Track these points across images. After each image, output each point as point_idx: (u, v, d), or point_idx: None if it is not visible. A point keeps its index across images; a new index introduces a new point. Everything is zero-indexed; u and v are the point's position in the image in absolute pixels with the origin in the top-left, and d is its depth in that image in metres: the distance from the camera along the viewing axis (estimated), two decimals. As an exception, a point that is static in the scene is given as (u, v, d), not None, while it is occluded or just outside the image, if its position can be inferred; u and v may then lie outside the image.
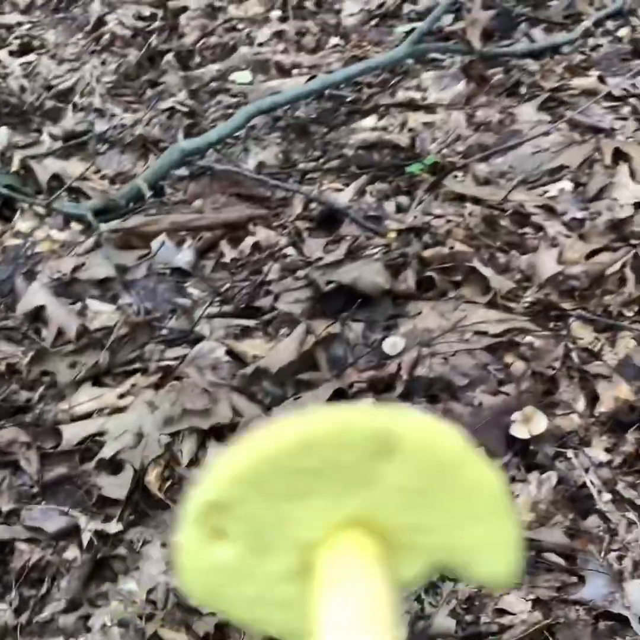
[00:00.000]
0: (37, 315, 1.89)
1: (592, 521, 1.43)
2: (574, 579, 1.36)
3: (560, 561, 1.38)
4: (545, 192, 2.16)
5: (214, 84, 2.73)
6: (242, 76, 2.75)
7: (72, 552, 1.48)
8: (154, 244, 2.02)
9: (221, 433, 1.62)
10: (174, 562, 0.40)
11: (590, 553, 1.38)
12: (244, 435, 0.37)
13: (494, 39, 2.93)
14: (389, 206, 2.18)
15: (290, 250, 2.06)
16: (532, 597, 1.33)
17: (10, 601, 1.43)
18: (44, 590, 1.44)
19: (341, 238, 2.08)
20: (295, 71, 2.79)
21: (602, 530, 1.41)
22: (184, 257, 2.00)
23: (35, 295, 1.90)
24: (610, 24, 2.96)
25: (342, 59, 2.86)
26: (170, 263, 2.00)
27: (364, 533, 0.38)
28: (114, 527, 1.51)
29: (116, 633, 1.37)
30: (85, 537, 1.48)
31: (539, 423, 1.53)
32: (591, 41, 2.89)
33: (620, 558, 1.37)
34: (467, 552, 0.40)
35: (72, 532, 1.50)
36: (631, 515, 1.42)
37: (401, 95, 2.63)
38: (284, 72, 2.80)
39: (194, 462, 1.60)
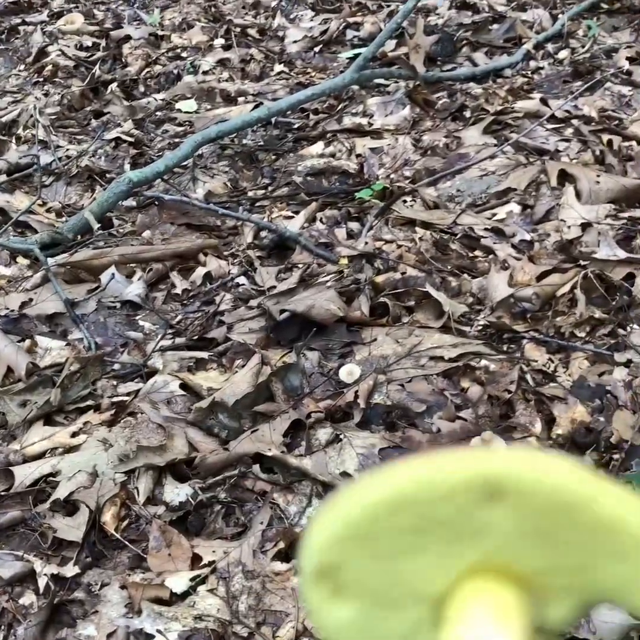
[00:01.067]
0: (-15, 353, 1.84)
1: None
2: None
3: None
4: (494, 214, 2.18)
5: (159, 113, 2.72)
6: (188, 105, 2.73)
7: (28, 598, 1.44)
8: (103, 277, 1.99)
9: (178, 469, 1.59)
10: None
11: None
12: (342, 491, 0.36)
13: (437, 63, 2.97)
14: (340, 233, 2.18)
15: (242, 280, 2.05)
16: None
17: (-36, 652, 1.39)
18: (0, 638, 1.40)
19: (293, 266, 2.07)
20: (240, 99, 2.78)
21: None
22: (134, 289, 1.98)
23: (-18, 333, 1.86)
24: (550, 47, 3.02)
25: (287, 86, 2.87)
26: (120, 296, 1.97)
27: (496, 579, 0.36)
28: (70, 570, 1.47)
29: (76, 681, 1.33)
30: (42, 582, 1.44)
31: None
32: (533, 64, 2.94)
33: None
34: (617, 589, 0.37)
35: (27, 577, 1.46)
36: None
37: (348, 121, 2.64)
38: (230, 99, 2.80)
39: (151, 499, 1.56)
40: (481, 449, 0.35)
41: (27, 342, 1.85)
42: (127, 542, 1.50)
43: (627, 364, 1.71)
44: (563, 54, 2.96)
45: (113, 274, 1.97)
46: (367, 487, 0.35)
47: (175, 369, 1.80)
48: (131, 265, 2.05)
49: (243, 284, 2.03)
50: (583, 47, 2.98)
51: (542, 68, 2.89)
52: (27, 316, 1.93)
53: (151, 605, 1.40)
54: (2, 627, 1.40)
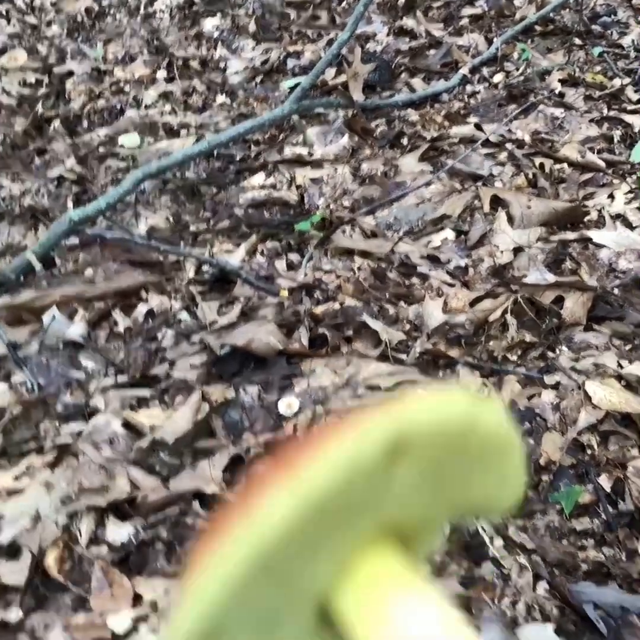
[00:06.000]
0: None
1: (486, 568, 1.47)
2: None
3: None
4: (429, 242, 2.24)
5: (102, 149, 2.74)
6: (131, 139, 2.76)
7: (-29, 646, 1.46)
8: (46, 317, 2.01)
9: (120, 509, 1.62)
10: None
11: (484, 601, 1.42)
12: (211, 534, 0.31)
13: (376, 90, 3.03)
14: (280, 264, 2.22)
15: (184, 315, 2.08)
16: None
17: None
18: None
19: (234, 299, 2.11)
20: (183, 131, 2.82)
21: (496, 576, 1.46)
22: (77, 329, 2.00)
23: None
24: (485, 71, 3.09)
25: (229, 117, 2.91)
26: (62, 336, 1.99)
27: (380, 543, 0.35)
28: (14, 614, 1.49)
29: None
30: (-15, 629, 1.46)
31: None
32: (469, 88, 3.01)
33: (513, 603, 1.41)
34: (481, 502, 0.38)
35: (-29, 625, 1.48)
36: (522, 559, 1.48)
37: (288, 151, 2.68)
38: (173, 132, 2.83)
39: (93, 540, 1.59)
40: (370, 414, 0.33)
41: (-30, 387, 1.86)
42: (69, 584, 1.53)
43: (556, 386, 1.76)
44: (498, 77, 3.03)
45: (54, 315, 2.00)
46: (274, 501, 0.31)
47: (118, 408, 1.82)
48: (73, 304, 2.07)
49: (185, 320, 2.06)
50: (517, 70, 3.06)
51: (477, 92, 2.96)
52: (-30, 361, 1.94)
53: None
54: (-54, 676, 1.42)
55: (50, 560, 1.55)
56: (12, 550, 1.57)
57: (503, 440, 0.36)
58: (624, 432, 1.67)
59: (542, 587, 1.45)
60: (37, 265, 2.14)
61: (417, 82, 3.04)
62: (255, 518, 0.30)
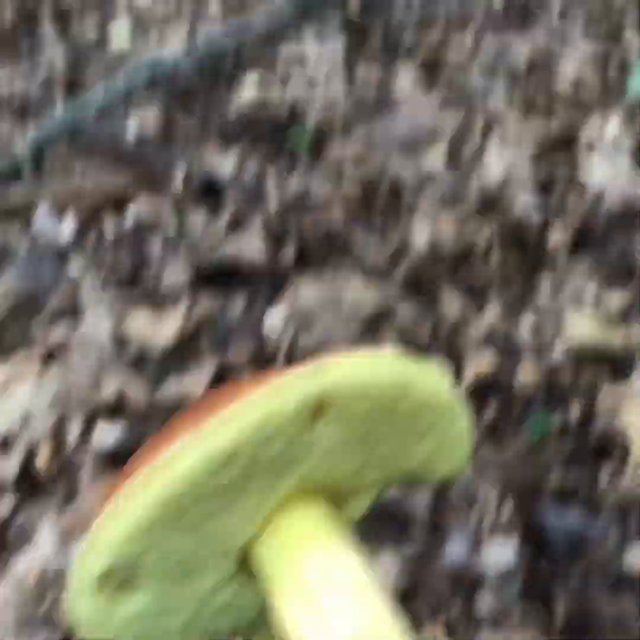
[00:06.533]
0: None
1: (455, 488, 1.54)
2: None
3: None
4: (421, 158, 2.24)
5: (93, 43, 2.68)
6: (123, 32, 2.70)
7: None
8: (33, 217, 2.01)
9: (107, 412, 1.67)
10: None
11: (447, 520, 1.50)
12: (129, 474, 0.30)
13: (376, -7, 2.96)
14: (270, 173, 2.21)
15: (172, 223, 2.08)
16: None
17: None
18: None
19: (222, 210, 2.11)
20: (180, 29, 2.75)
21: (460, 496, 1.53)
22: (64, 230, 2.01)
23: None
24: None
25: (224, 14, 2.84)
26: (50, 236, 2.00)
27: (305, 502, 0.33)
28: (3, 508, 1.55)
29: None
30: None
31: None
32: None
33: (478, 522, 1.49)
34: (418, 468, 0.37)
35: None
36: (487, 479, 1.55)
37: (282, 52, 2.63)
38: (165, 26, 2.77)
39: (82, 441, 1.64)
40: (298, 370, 0.31)
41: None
42: (57, 484, 1.59)
43: (534, 313, 1.81)
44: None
45: (43, 215, 2.00)
46: (186, 448, 0.30)
47: (106, 313, 1.85)
48: (61, 205, 2.07)
49: (172, 228, 2.07)
50: (520, -20, 2.99)
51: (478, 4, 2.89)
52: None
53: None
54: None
55: (39, 458, 1.60)
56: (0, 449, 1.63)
57: (441, 407, 0.35)
58: (597, 362, 1.72)
59: (506, 507, 1.52)
60: (26, 163, 2.13)
61: (417, -13, 2.96)
62: (162, 465, 0.30)
